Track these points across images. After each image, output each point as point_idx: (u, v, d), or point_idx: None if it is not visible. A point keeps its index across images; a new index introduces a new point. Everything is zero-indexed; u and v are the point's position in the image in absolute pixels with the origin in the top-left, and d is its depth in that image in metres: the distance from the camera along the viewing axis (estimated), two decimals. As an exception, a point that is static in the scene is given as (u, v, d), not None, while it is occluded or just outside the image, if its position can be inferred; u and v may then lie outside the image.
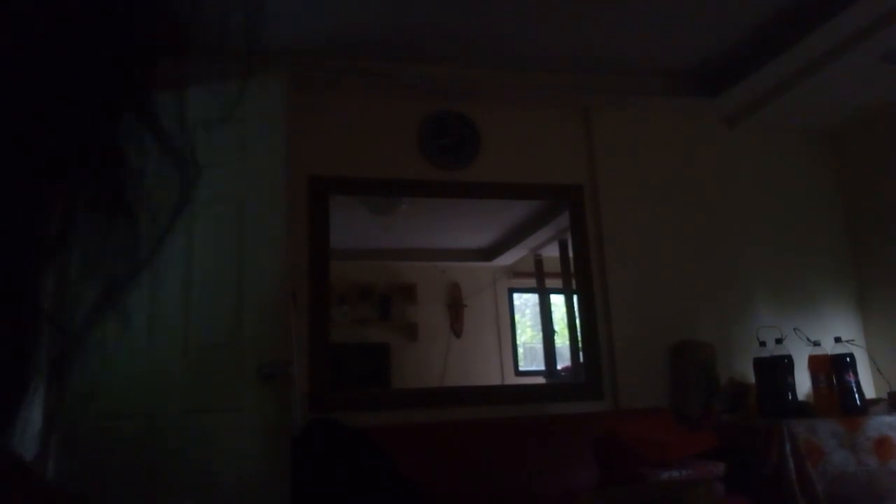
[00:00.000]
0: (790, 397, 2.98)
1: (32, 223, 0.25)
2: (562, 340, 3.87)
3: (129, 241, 0.28)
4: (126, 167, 0.28)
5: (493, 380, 4.16)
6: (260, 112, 2.49)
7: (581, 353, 3.40)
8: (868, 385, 3.33)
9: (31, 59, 0.24)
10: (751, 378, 3.15)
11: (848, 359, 2.95)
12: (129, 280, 0.29)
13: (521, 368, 4.36)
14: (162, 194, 0.29)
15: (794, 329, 3.26)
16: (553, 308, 4.20)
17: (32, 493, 0.26)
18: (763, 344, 3.10)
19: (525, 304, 4.55)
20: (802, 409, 2.90)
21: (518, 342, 4.44)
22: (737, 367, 3.33)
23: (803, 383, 3.08)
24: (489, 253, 4.37)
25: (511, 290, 4.48)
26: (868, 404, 2.96)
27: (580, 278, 3.42)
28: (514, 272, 4.43)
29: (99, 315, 0.28)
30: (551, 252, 3.97)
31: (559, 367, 3.98)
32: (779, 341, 3.03)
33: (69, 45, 0.25)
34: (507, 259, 4.37)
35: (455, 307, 4.21)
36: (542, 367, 4.27)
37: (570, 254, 3.51)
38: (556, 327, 4.10)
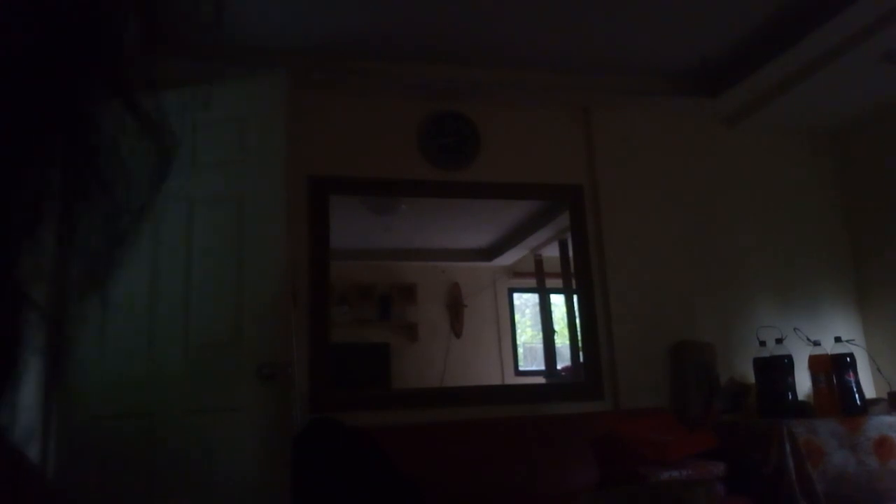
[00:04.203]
0: (790, 397, 2.98)
1: (9, 197, 0.25)
2: (562, 340, 3.87)
3: (108, 216, 0.28)
4: (99, 136, 0.27)
5: (493, 380, 4.15)
6: (260, 112, 2.50)
7: (581, 353, 3.40)
8: (868, 385, 3.33)
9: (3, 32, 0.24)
10: (751, 378, 3.15)
11: (848, 359, 2.95)
12: (111, 257, 0.28)
13: (521, 368, 4.35)
14: (140, 166, 0.29)
15: (794, 329, 3.26)
16: (553, 308, 4.20)
17: (30, 492, 0.26)
18: (763, 344, 3.10)
19: (525, 304, 4.55)
20: (802, 409, 2.90)
21: (518, 342, 4.43)
22: (737, 367, 3.33)
23: (803, 383, 3.08)
24: (489, 253, 4.36)
25: (511, 290, 4.47)
26: (868, 404, 2.96)
27: (580, 278, 3.42)
28: (514, 272, 4.42)
29: (83, 293, 0.27)
30: (551, 252, 3.96)
31: (559, 367, 3.97)
32: (779, 341, 3.04)
33: (40, 17, 0.25)
34: (507, 259, 4.36)
35: (455, 307, 4.20)
36: (542, 367, 4.27)
37: (570, 254, 3.51)
38: (556, 327, 4.10)
